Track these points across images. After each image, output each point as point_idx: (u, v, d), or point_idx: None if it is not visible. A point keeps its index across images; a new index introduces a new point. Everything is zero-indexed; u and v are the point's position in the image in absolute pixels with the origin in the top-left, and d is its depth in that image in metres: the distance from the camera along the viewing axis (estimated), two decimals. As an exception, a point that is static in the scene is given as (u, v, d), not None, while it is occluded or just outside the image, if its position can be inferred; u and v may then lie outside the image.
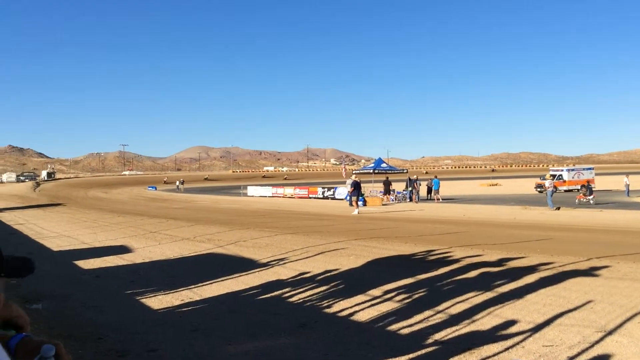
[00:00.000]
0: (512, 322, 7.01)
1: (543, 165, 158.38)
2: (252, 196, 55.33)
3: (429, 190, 43.05)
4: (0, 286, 1.42)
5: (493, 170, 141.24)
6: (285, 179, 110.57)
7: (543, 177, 54.75)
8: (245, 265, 12.09)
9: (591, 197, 32.69)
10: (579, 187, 51.70)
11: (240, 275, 10.92)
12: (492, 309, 7.73)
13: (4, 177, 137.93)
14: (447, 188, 43.19)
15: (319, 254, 13.25)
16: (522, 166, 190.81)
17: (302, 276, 10.67)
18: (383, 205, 37.03)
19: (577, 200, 32.84)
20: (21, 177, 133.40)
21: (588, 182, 36.89)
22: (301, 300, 8.80)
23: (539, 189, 47.39)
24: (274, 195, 54.04)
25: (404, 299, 8.60)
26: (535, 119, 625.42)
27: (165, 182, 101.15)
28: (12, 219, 27.80)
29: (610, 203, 32.56)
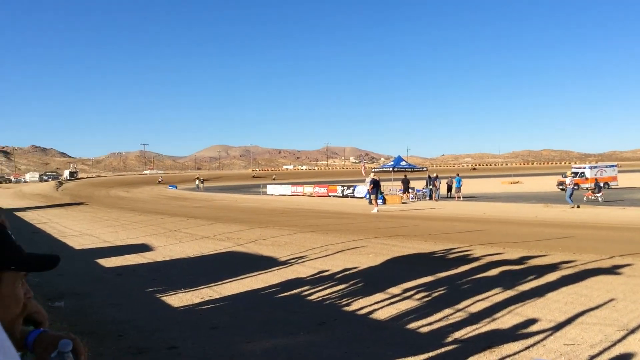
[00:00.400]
0: (533, 321, 6.94)
1: (565, 163, 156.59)
2: (272, 195, 55.45)
3: (449, 189, 42.84)
4: (19, 281, 1.43)
5: (474, 169, 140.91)
6: (273, 178, 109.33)
7: (565, 175, 54.19)
8: (264, 263, 12.12)
9: (600, 194, 32.33)
10: (593, 185, 51.25)
11: (260, 274, 10.95)
12: (512, 307, 7.67)
13: (28, 176, 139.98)
14: (467, 186, 42.82)
15: (338, 252, 13.24)
16: (543, 163, 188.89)
17: (321, 274, 10.67)
18: (402, 203, 36.90)
19: (585, 198, 32.46)
20: (44, 177, 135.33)
21: (597, 179, 36.46)
22: (320, 299, 8.81)
23: (561, 187, 46.90)
24: (293, 193, 54.07)
25: (423, 297, 8.56)
26: (557, 116, 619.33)
27: (159, 182, 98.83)
28: (35, 218, 28.15)
29: (619, 200, 32.13)
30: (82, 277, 11.42)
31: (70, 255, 14.52)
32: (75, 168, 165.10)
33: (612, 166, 55.88)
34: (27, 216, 29.87)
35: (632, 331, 6.39)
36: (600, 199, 31.75)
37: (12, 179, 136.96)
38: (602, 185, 35.08)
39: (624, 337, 6.16)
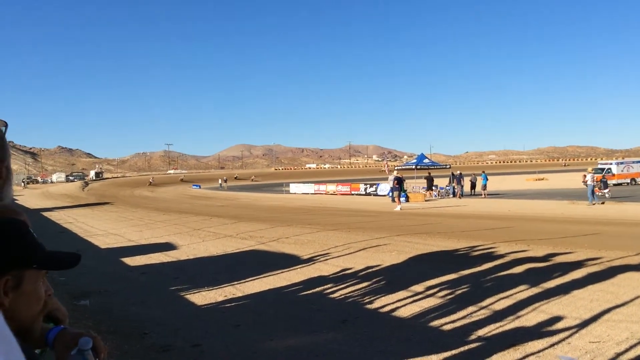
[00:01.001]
0: (558, 318, 6.86)
1: (591, 159, 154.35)
2: (295, 193, 55.54)
3: (473, 186, 42.52)
4: (40, 278, 1.45)
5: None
6: (252, 179, 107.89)
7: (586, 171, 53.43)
8: (287, 261, 12.15)
9: (606, 190, 31.95)
10: (629, 181, 50.54)
11: (282, 272, 10.98)
12: (537, 304, 7.58)
13: (54, 177, 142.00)
14: (492, 183, 42.43)
15: (360, 250, 13.22)
16: (569, 160, 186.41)
17: (343, 272, 10.67)
18: (426, 201, 36.70)
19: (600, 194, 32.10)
20: (70, 177, 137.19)
21: (604, 176, 35.96)
22: (343, 296, 8.80)
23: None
24: (316, 192, 54.09)
25: (446, 295, 8.51)
26: (582, 111, 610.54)
27: (150, 184, 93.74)
28: (61, 218, 28.56)
29: (629, 197, 31.72)
30: (107, 275, 11.56)
31: (96, 254, 14.72)
32: (100, 168, 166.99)
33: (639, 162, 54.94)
34: (54, 216, 30.31)
35: (660, 329, 6.28)
36: (607, 195, 31.38)
37: (39, 180, 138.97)
38: (607, 181, 34.64)
39: (651, 335, 6.06)
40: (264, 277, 10.56)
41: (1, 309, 1.34)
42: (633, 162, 54.73)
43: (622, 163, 54.62)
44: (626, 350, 5.60)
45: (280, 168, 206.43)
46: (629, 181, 51.04)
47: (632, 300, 7.56)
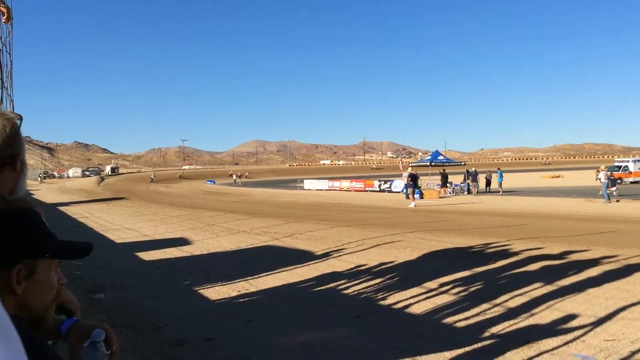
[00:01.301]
0: (572, 316, 6.81)
1: (608, 157, 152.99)
2: (309, 189, 55.57)
3: (488, 183, 42.30)
4: (53, 268, 1.46)
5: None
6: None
7: (608, 169, 52.97)
8: (300, 257, 12.17)
9: (614, 188, 31.69)
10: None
11: (296, 268, 10.99)
12: (552, 302, 7.54)
13: (71, 172, 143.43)
14: (507, 180, 42.19)
15: (374, 246, 13.21)
16: (585, 157, 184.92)
17: (357, 268, 10.66)
18: (440, 197, 36.55)
19: (599, 192, 31.84)
20: (86, 172, 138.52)
21: (611, 173, 35.61)
22: (356, 292, 8.80)
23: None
24: (330, 188, 54.09)
25: (460, 291, 8.48)
26: (599, 109, 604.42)
27: (151, 181, 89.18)
28: (77, 213, 28.78)
29: (637, 194, 31.46)
30: (122, 270, 11.64)
31: (111, 248, 14.83)
32: (116, 164, 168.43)
33: (657, 160, 54.32)
34: (70, 211, 30.56)
35: (677, 328, 6.22)
36: (614, 193, 31.16)
37: (56, 175, 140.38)
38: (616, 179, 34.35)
39: (667, 334, 6.00)
40: (277, 272, 10.58)
41: (14, 298, 1.35)
42: (651, 160, 54.13)
43: (639, 161, 54.08)
44: (641, 349, 5.56)
45: (295, 164, 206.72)
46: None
47: (648, 299, 7.48)
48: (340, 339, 6.42)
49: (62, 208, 32.43)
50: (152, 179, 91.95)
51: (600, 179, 28.97)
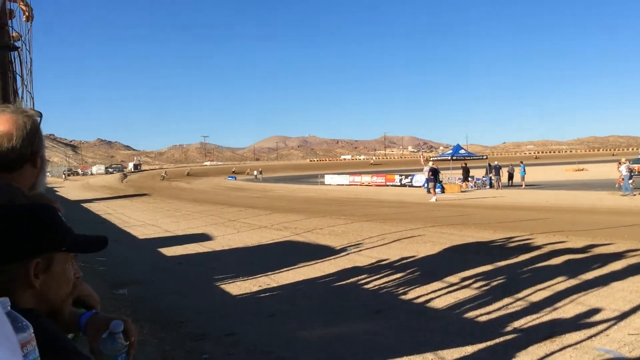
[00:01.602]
0: (596, 310, 6.73)
1: (632, 149, 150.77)
2: (329, 185, 55.58)
3: (510, 177, 41.92)
4: (69, 261, 1.48)
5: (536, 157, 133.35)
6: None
7: (632, 161, 52.17)
8: (321, 252, 12.18)
9: (630, 181, 31.35)
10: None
11: (317, 262, 11.01)
12: (575, 296, 7.45)
13: (94, 169, 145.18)
14: (530, 174, 41.79)
15: (395, 241, 13.17)
16: (610, 150, 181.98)
17: (378, 263, 10.64)
18: (462, 192, 36.32)
19: (616, 185, 31.50)
20: (110, 169, 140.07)
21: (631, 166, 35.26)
22: (377, 287, 8.79)
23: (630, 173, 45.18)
24: (351, 183, 54.01)
25: (482, 286, 8.42)
26: (623, 100, 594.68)
27: (163, 178, 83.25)
28: (101, 209, 29.13)
29: None
30: (145, 265, 11.77)
31: (134, 244, 14.99)
32: (138, 160, 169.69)
33: (684, 152, 53.41)
34: (94, 207, 30.93)
35: None
36: (630, 186, 30.93)
37: (80, 172, 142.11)
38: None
39: (694, 328, 5.90)
40: (298, 267, 10.61)
41: (32, 291, 1.38)
42: (677, 152, 53.18)
43: (665, 153, 53.11)
44: (667, 344, 5.47)
45: (315, 159, 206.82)
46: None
47: (674, 293, 7.37)
48: (360, 334, 6.42)
49: (86, 205, 32.84)
50: (164, 177, 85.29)
51: (621, 172, 28.56)
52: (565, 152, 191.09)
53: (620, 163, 29.22)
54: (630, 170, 30.34)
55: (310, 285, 9.21)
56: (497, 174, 39.43)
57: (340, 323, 6.95)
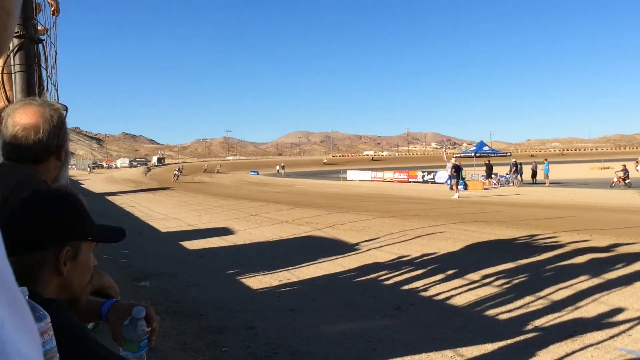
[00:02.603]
0: (619, 310, 6.65)
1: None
2: (352, 180, 55.56)
3: (534, 174, 41.53)
4: (91, 250, 1.52)
5: (562, 154, 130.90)
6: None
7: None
8: (342, 247, 12.19)
9: (628, 181, 31.34)
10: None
11: (337, 258, 11.02)
12: (597, 295, 7.37)
13: (119, 162, 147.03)
14: (554, 172, 41.39)
15: (416, 237, 13.13)
16: (636, 148, 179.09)
17: (399, 259, 10.62)
18: (485, 189, 36.07)
19: (612, 184, 31.69)
20: (134, 163, 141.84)
21: (624, 165, 35.20)
22: (397, 283, 8.77)
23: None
24: (373, 179, 53.96)
25: (503, 284, 8.37)
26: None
27: (178, 173, 63.61)
28: (124, 202, 29.43)
29: None
30: (167, 258, 11.87)
31: (156, 237, 15.14)
32: (162, 154, 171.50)
33: None
34: (117, 200, 31.26)
35: None
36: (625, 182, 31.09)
37: (104, 165, 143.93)
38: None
39: None
40: (318, 262, 10.63)
41: (58, 279, 1.41)
42: None
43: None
44: (692, 345, 5.40)
45: (338, 155, 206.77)
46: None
47: (700, 294, 7.25)
48: (380, 330, 6.43)
49: (110, 197, 33.21)
50: (177, 176, 62.10)
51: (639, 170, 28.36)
52: (591, 149, 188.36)
53: (638, 161, 28.95)
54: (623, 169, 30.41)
55: (331, 281, 9.22)
56: (516, 171, 39.17)
57: (359, 318, 6.96)
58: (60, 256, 1.39)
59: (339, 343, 6.04)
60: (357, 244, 12.60)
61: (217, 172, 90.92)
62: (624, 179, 32.56)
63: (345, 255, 11.32)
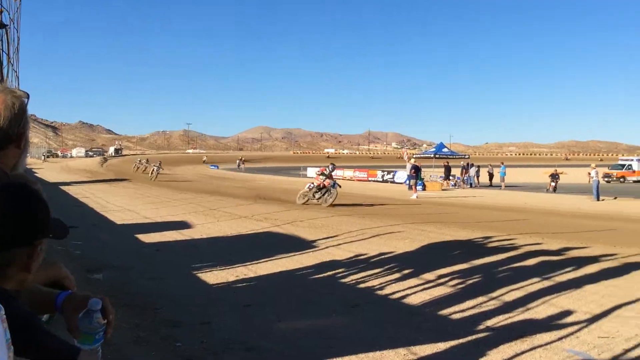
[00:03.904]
0: (568, 312, 6.84)
1: (612, 155, 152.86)
2: (312, 177, 55.56)
3: (491, 177, 42.39)
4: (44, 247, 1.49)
5: (567, 159, 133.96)
6: (203, 161, 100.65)
7: (611, 167, 53.03)
8: (300, 244, 12.21)
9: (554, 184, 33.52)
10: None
11: (295, 255, 11.03)
12: (548, 297, 7.57)
13: (74, 152, 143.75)
14: (510, 176, 42.31)
15: (374, 236, 13.24)
16: (590, 155, 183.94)
17: (356, 257, 10.70)
18: (442, 190, 36.60)
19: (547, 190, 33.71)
20: (90, 153, 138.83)
21: (555, 170, 37.22)
22: (354, 282, 8.84)
23: (606, 179, 45.91)
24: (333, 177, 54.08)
25: (457, 284, 8.52)
26: (605, 106, 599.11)
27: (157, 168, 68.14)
28: (79, 192, 28.81)
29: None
30: (122, 251, 11.70)
31: (112, 229, 14.90)
32: (120, 145, 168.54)
33: (661, 159, 54.38)
34: (72, 190, 30.58)
35: (671, 327, 6.25)
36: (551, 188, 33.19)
37: (59, 154, 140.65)
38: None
39: (661, 333, 6.03)
40: (276, 259, 10.62)
41: (23, 274, 1.39)
42: (655, 159, 54.19)
43: (643, 160, 54.09)
44: (635, 347, 5.59)
45: (299, 152, 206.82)
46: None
47: (644, 297, 7.52)
48: (336, 327, 6.47)
49: (64, 187, 32.45)
50: (154, 169, 48.59)
51: (592, 177, 29.12)
52: (546, 154, 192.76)
53: (590, 170, 29.84)
54: (607, 175, 31.17)
55: (288, 277, 9.24)
56: (468, 174, 40.33)
57: (316, 316, 7.00)
58: (34, 255, 1.37)
59: (295, 340, 6.06)
60: (315, 241, 12.64)
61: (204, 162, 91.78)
62: (553, 185, 34.82)
63: (303, 252, 11.34)
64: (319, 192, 22.10)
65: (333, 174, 23.61)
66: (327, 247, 11.84)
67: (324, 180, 22.36)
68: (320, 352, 5.67)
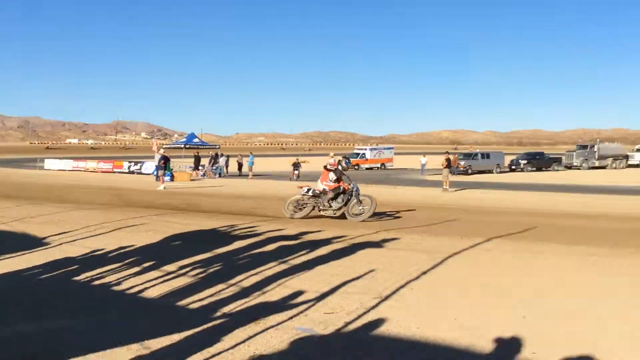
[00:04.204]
0: (300, 292, 7.25)
1: (350, 144, 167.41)
2: (50, 170, 51.56)
3: (240, 167, 43.48)
4: None
5: (309, 150, 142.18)
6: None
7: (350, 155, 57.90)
8: (30, 242, 11.16)
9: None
10: (379, 166, 56.07)
11: (24, 254, 10.05)
12: (283, 280, 7.95)
13: None
14: (259, 165, 43.89)
15: (115, 230, 12.67)
16: (331, 144, 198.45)
17: (92, 254, 10.10)
18: (191, 180, 36.55)
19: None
20: None
21: (297, 159, 41.92)
22: (89, 279, 8.32)
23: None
24: (74, 169, 50.88)
25: (198, 273, 8.52)
26: (345, 99, 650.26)
27: None
28: None
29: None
30: None
31: None
32: None
33: (390, 148, 61.17)
34: None
35: (385, 298, 6.99)
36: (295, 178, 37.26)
37: None
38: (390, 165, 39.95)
39: (377, 304, 6.71)
40: (1, 260, 9.58)
41: None
42: (384, 149, 60.80)
43: (375, 149, 60.43)
44: (355, 319, 6.14)
45: (36, 142, 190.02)
46: (379, 166, 56.56)
47: (366, 274, 8.30)
48: (64, 329, 6.03)
49: None
50: None
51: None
52: (293, 144, 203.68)
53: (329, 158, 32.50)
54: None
55: (15, 279, 8.37)
56: (215, 163, 41.36)
57: (43, 319, 6.44)
58: None
59: (14, 345, 5.50)
60: (49, 237, 11.65)
61: None
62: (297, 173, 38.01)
63: (34, 250, 10.39)
64: (336, 200, 15.87)
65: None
66: (60, 244, 10.98)
67: (338, 183, 16.20)
68: (47, 358, 5.23)
